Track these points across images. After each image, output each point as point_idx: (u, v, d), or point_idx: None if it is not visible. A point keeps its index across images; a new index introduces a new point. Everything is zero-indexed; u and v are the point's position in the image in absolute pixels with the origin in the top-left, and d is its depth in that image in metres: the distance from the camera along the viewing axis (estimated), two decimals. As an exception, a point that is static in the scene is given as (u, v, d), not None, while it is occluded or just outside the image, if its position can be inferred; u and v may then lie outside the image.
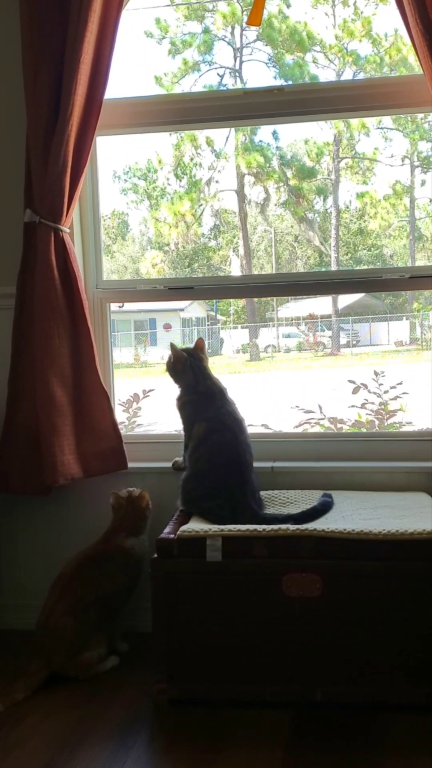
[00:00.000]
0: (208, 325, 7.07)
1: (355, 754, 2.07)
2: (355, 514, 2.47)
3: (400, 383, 3.68)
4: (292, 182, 5.64)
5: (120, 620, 2.65)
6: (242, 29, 5.54)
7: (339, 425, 3.63)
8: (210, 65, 5.64)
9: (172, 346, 2.72)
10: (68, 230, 2.76)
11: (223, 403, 2.66)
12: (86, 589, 2.53)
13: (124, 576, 2.61)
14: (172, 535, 2.35)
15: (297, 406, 3.68)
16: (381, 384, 3.66)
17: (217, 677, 2.32)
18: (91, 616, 2.52)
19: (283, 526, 2.31)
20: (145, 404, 3.76)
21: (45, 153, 2.67)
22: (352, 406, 3.70)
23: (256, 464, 2.65)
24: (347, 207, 6.02)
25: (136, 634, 2.75)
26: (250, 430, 2.71)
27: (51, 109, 2.66)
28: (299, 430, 3.54)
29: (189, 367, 2.70)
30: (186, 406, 2.71)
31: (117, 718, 2.32)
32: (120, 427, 2.87)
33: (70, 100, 2.62)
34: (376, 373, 3.69)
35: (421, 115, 4.83)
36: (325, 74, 5.66)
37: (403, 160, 5.55)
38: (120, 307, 3.37)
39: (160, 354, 6.92)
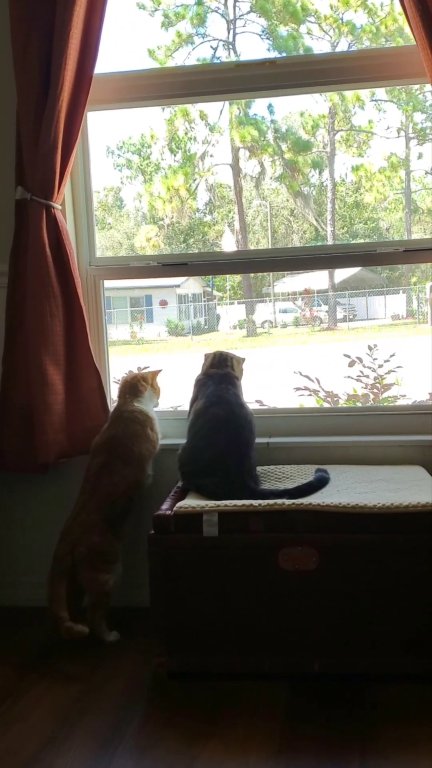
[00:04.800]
0: (204, 301, 7.06)
1: (353, 724, 2.10)
2: (351, 488, 2.48)
3: (393, 355, 3.69)
4: (287, 155, 5.61)
5: (127, 519, 2.70)
6: (235, 0, 5.47)
7: (335, 399, 3.64)
8: (203, 38, 5.58)
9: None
10: (60, 207, 2.74)
11: (227, 385, 2.66)
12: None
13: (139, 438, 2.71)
14: (169, 512, 2.36)
15: (299, 372, 3.68)
16: (376, 358, 3.67)
17: (215, 650, 2.34)
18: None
19: (279, 501, 2.32)
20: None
21: (36, 129, 2.64)
22: (348, 377, 3.71)
23: (251, 440, 2.65)
24: (343, 180, 5.99)
25: (134, 609, 2.77)
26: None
27: (41, 84, 2.63)
28: (297, 394, 3.55)
29: (212, 356, 2.78)
30: (196, 384, 2.75)
31: (117, 691, 2.34)
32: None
33: (60, 75, 2.59)
34: (370, 348, 3.69)
35: (415, 87, 4.79)
36: (320, 46, 5.59)
37: (398, 133, 5.50)
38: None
39: (157, 331, 6.91)
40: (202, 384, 2.71)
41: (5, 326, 2.82)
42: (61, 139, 2.65)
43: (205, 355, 2.81)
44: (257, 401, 3.43)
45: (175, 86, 2.89)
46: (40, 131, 2.63)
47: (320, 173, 5.88)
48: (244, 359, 2.81)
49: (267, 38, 5.56)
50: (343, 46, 5.52)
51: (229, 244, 6.06)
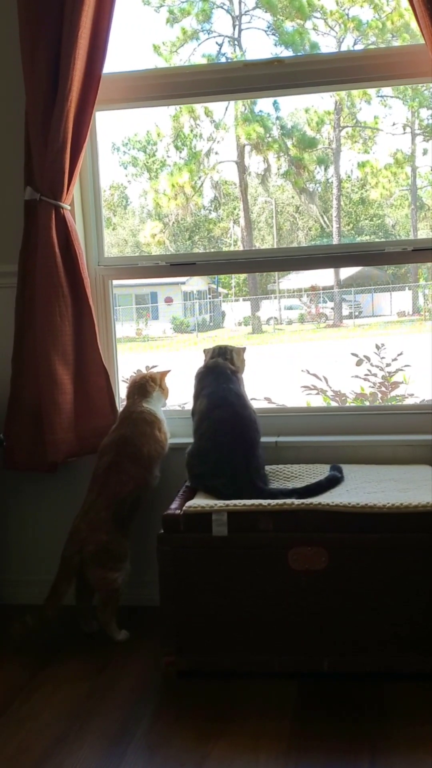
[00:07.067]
0: (209, 298, 7.05)
1: (363, 722, 2.11)
2: (360, 488, 2.49)
3: (401, 354, 3.69)
4: (292, 152, 5.59)
5: (135, 517, 2.70)
6: (241, -4, 5.46)
7: (342, 398, 3.64)
8: (209, 34, 5.56)
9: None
10: (69, 207, 2.75)
11: (227, 382, 2.66)
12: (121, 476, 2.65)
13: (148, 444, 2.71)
14: (178, 511, 2.37)
15: (307, 371, 3.68)
16: (383, 357, 3.67)
17: (224, 649, 2.36)
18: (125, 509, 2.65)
19: (288, 501, 2.33)
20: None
21: (44, 130, 2.65)
22: (355, 376, 3.70)
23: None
24: (348, 177, 5.97)
25: (144, 608, 2.78)
26: (253, 404, 2.71)
27: (50, 85, 2.63)
28: (305, 393, 3.55)
29: (212, 350, 2.79)
30: (197, 376, 2.77)
31: (127, 690, 2.36)
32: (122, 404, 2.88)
33: (68, 76, 2.59)
34: (377, 347, 3.69)
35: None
36: (326, 41, 5.57)
37: (404, 129, 5.49)
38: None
39: (162, 328, 6.92)
40: (203, 376, 2.74)
41: (15, 326, 2.83)
42: (70, 140, 2.65)
43: (204, 350, 2.83)
44: (266, 399, 3.44)
45: (183, 86, 2.89)
46: (48, 132, 2.64)
47: (326, 170, 5.87)
48: (244, 348, 2.82)
49: (273, 34, 5.54)
50: (348, 42, 5.50)
51: (236, 240, 6.05)
